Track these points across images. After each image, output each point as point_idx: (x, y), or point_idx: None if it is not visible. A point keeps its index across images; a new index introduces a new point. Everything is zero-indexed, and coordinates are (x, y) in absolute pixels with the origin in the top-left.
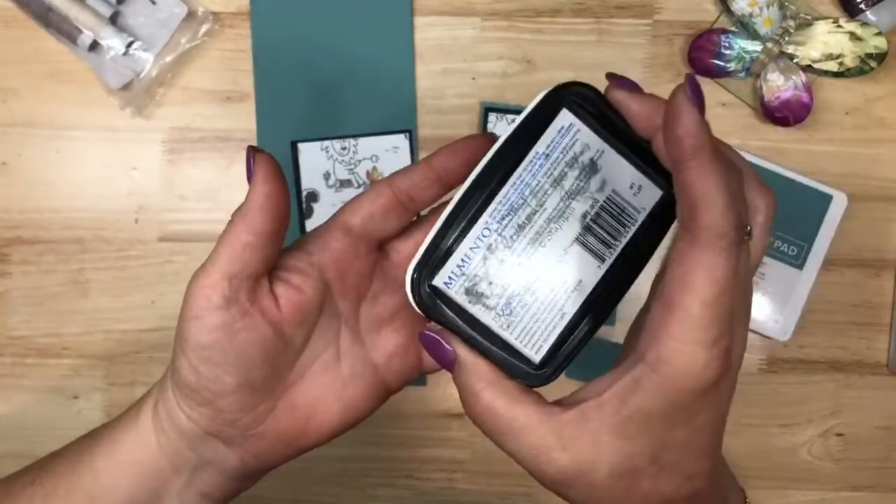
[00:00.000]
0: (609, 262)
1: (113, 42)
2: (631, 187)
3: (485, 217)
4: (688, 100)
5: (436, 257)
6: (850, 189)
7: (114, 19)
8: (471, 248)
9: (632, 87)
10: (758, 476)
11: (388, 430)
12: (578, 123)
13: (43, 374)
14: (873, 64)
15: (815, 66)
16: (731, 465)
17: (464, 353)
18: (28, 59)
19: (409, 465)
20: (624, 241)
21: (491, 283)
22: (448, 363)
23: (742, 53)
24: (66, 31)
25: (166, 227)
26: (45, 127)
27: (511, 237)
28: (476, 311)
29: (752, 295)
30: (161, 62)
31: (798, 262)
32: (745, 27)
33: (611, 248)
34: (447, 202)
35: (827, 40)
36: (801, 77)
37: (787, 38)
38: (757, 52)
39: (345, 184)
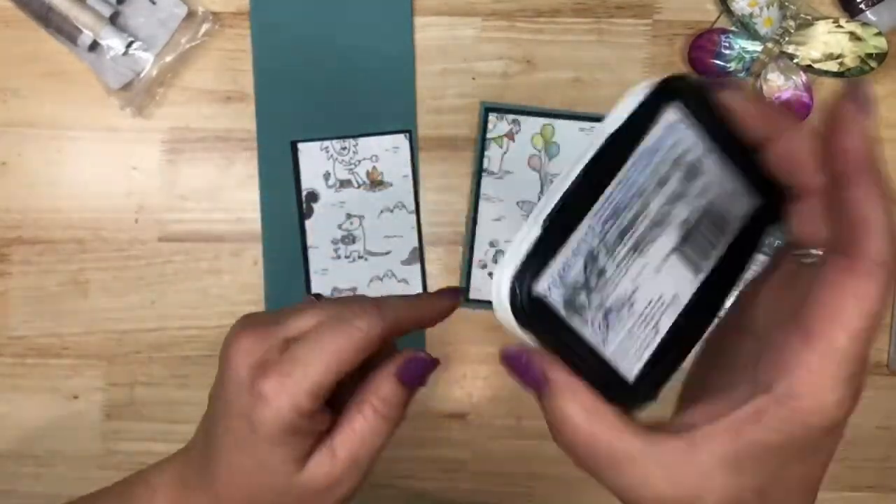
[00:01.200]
0: (704, 274)
1: (113, 42)
2: (731, 193)
3: (588, 219)
4: (860, 108)
5: (536, 262)
6: None
7: (114, 19)
8: (573, 254)
9: (741, 88)
10: None
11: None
12: (686, 121)
13: (43, 374)
14: (873, 64)
15: (816, 66)
16: None
17: (559, 375)
18: (28, 59)
19: (409, 465)
20: (720, 252)
21: (591, 294)
22: (539, 385)
23: (742, 53)
24: (66, 31)
25: (166, 226)
26: (45, 127)
27: (613, 242)
28: (575, 324)
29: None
30: (161, 62)
31: None
32: (746, 27)
33: (708, 258)
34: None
35: (827, 40)
36: (802, 77)
37: (787, 38)
38: (757, 52)
39: (345, 184)
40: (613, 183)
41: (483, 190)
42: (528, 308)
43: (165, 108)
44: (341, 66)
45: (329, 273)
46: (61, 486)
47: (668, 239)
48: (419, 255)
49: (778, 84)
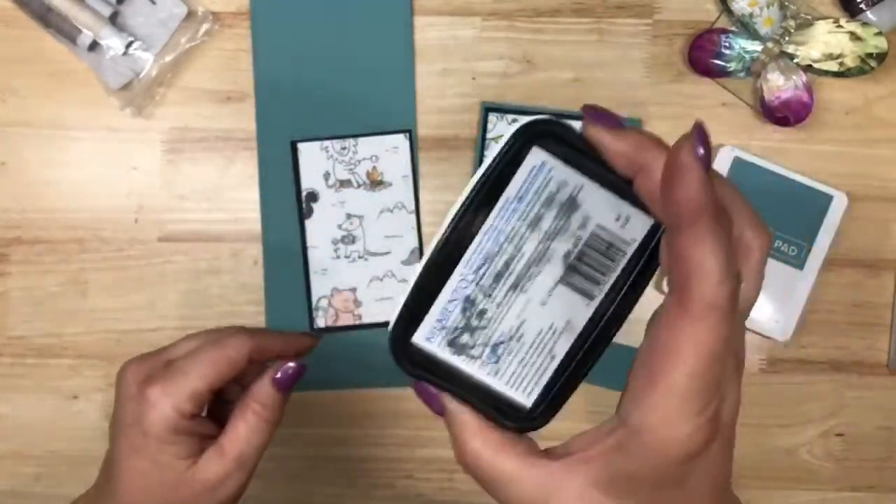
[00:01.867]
0: (599, 298)
1: (113, 42)
2: (618, 219)
3: (459, 269)
4: (693, 156)
5: (414, 315)
6: (851, 189)
7: (113, 19)
8: (449, 301)
9: (609, 122)
10: (758, 476)
11: (388, 430)
12: (552, 160)
13: (42, 374)
14: (873, 64)
15: (816, 65)
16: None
17: (450, 403)
18: (28, 59)
19: (409, 465)
20: (614, 275)
21: (473, 334)
22: (439, 412)
23: (742, 53)
24: (65, 30)
25: (166, 226)
26: (44, 127)
27: (490, 286)
28: (460, 362)
29: (743, 343)
30: (161, 62)
31: (798, 261)
32: (746, 27)
33: (600, 283)
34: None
35: (827, 40)
36: (802, 77)
37: (787, 38)
38: (757, 51)
39: (345, 184)
40: (480, 233)
41: None
42: (408, 358)
43: (165, 108)
44: (341, 66)
45: (329, 273)
46: (61, 486)
47: (550, 273)
48: (419, 255)
49: (778, 84)
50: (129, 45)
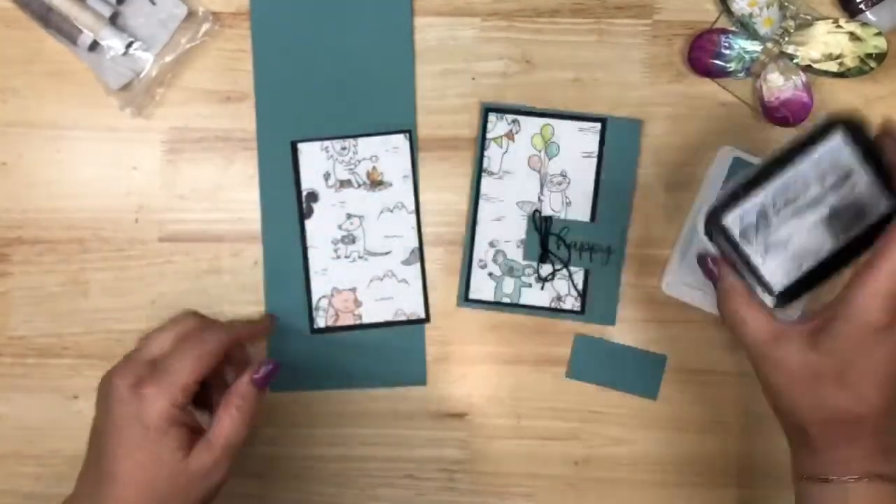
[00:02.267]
0: (840, 243)
1: (113, 42)
2: (871, 196)
3: (765, 189)
4: None
5: (727, 206)
6: None
7: (114, 19)
8: (751, 207)
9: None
10: (758, 475)
11: (388, 429)
12: (845, 146)
13: (43, 374)
14: (873, 64)
15: (815, 66)
16: (733, 464)
17: (729, 275)
18: (28, 59)
19: (409, 464)
20: (854, 232)
21: (759, 232)
22: (715, 279)
23: (742, 53)
24: (66, 31)
25: (166, 226)
26: (45, 127)
27: (779, 207)
28: (744, 246)
29: None
30: (161, 62)
31: None
32: (745, 27)
33: (846, 233)
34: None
35: (827, 40)
36: (801, 77)
37: (786, 39)
38: (757, 52)
39: (345, 184)
40: (788, 171)
41: (483, 190)
42: (716, 229)
43: (165, 108)
44: (341, 65)
45: (329, 273)
46: (62, 486)
47: (818, 213)
48: (419, 255)
49: (778, 84)
50: (129, 45)
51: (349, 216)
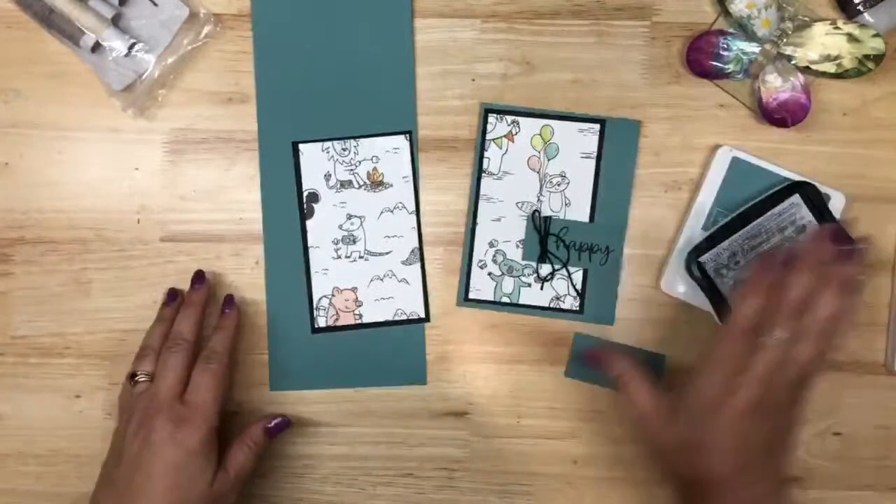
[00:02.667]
0: None
1: (115, 43)
2: None
3: (736, 236)
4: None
5: (704, 249)
6: (848, 189)
7: (116, 21)
8: (723, 250)
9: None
10: None
11: (389, 429)
12: (802, 204)
13: (45, 374)
14: (871, 65)
15: (813, 67)
16: None
17: (618, 359)
18: (30, 61)
19: (410, 463)
20: None
21: (728, 270)
22: (602, 369)
23: (740, 55)
24: (68, 32)
25: (168, 227)
26: (47, 128)
27: (746, 250)
28: (717, 281)
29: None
30: (163, 63)
31: None
32: (744, 29)
33: None
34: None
35: (825, 42)
36: (799, 78)
37: (785, 40)
38: (755, 53)
39: (345, 184)
40: (754, 223)
41: (483, 190)
42: (694, 267)
43: (167, 110)
44: (341, 67)
45: (330, 273)
46: (63, 486)
47: None
48: (419, 255)
49: (776, 85)
50: (131, 46)
51: (350, 216)
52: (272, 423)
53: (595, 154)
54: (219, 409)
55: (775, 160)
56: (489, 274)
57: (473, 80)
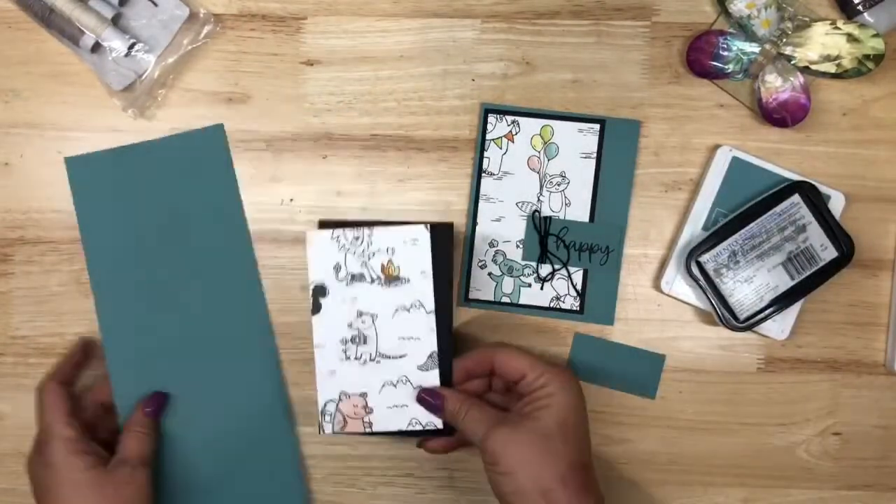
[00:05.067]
0: (797, 280)
1: (115, 44)
2: (821, 246)
3: (736, 236)
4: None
5: (704, 249)
6: (848, 189)
7: (116, 21)
8: (723, 249)
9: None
10: (756, 475)
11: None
12: (802, 204)
13: (45, 374)
14: (871, 65)
15: (813, 67)
16: (730, 463)
17: (448, 395)
18: (30, 61)
19: (410, 463)
20: (807, 273)
21: (728, 269)
22: (435, 410)
23: (740, 55)
24: (68, 32)
25: None
26: (47, 128)
27: (746, 250)
28: (716, 280)
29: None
30: (163, 64)
31: None
32: (743, 29)
33: (800, 273)
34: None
35: (825, 42)
36: (799, 78)
37: (784, 40)
38: (755, 53)
39: (357, 278)
40: (754, 223)
41: (483, 190)
42: (694, 267)
43: (167, 110)
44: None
45: (336, 375)
46: None
47: (778, 257)
48: (438, 359)
49: (776, 85)
50: (131, 46)
51: (360, 314)
52: (148, 406)
53: (595, 154)
54: (67, 421)
55: (775, 160)
56: (489, 274)
57: (473, 80)
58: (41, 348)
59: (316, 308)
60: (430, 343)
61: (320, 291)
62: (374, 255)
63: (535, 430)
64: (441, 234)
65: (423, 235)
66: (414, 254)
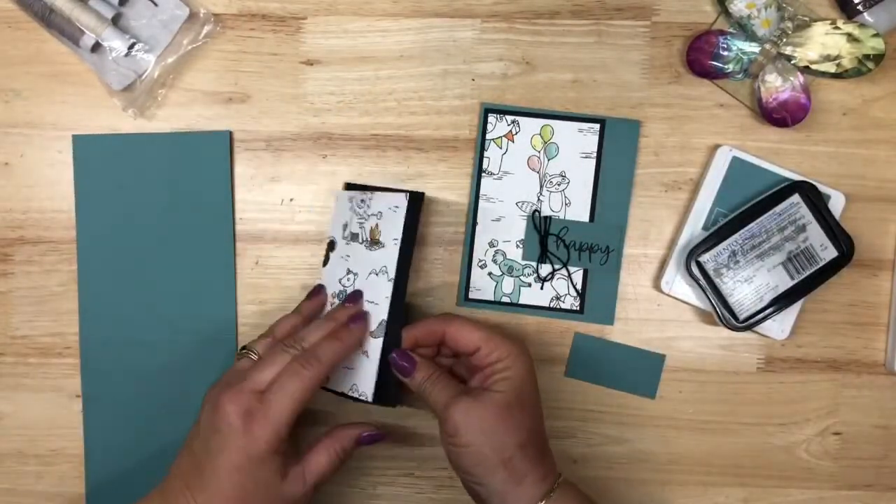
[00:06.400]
0: (797, 280)
1: (115, 43)
2: (821, 246)
3: (736, 236)
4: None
5: (704, 248)
6: (848, 189)
7: (116, 21)
8: (723, 249)
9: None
10: (756, 474)
11: (389, 428)
12: (802, 203)
13: (45, 374)
14: (871, 65)
15: (813, 67)
16: (730, 463)
17: (420, 363)
18: (30, 60)
19: (410, 463)
20: (807, 272)
21: (728, 269)
22: (407, 373)
23: (740, 55)
24: (68, 32)
25: None
26: (47, 128)
27: (746, 250)
28: (716, 280)
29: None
30: (163, 63)
31: None
32: (744, 28)
33: (800, 273)
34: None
35: (825, 41)
36: (799, 78)
37: (784, 40)
38: (755, 53)
39: (354, 237)
40: (753, 223)
41: (483, 190)
42: (694, 266)
43: (167, 110)
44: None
45: None
46: (63, 485)
47: (778, 257)
48: (386, 328)
49: (776, 85)
50: (131, 46)
51: (348, 271)
52: (366, 434)
53: (595, 154)
54: (293, 421)
55: (775, 160)
56: (489, 274)
57: (473, 80)
58: (41, 348)
59: (325, 261)
60: (384, 311)
61: (331, 246)
62: (369, 217)
63: (496, 402)
64: (414, 204)
65: (403, 203)
66: (394, 220)
